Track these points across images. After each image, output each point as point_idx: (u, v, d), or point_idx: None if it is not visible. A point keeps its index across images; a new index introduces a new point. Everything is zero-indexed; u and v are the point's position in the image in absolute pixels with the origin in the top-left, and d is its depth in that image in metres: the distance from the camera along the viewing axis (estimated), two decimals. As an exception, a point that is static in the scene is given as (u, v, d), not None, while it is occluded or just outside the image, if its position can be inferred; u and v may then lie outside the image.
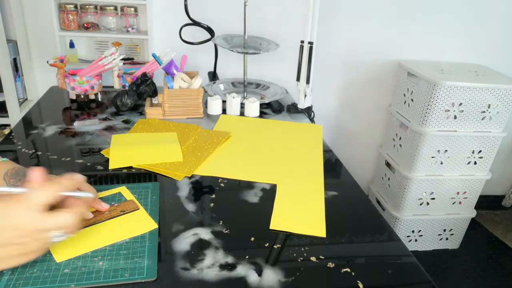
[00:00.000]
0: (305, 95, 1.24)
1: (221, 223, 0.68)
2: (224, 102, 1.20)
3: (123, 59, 1.23)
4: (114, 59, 1.17)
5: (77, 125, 1.03)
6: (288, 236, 0.66)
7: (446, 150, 1.69)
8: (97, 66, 1.17)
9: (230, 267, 0.58)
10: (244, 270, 0.58)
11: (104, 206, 0.65)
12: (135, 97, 1.12)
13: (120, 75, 1.27)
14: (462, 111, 1.61)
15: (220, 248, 0.62)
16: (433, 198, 1.80)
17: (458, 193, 1.82)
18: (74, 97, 1.19)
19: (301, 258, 0.61)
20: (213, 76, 1.55)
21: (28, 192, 0.50)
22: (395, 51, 1.82)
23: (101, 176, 0.79)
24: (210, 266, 0.58)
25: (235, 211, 0.72)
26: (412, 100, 1.71)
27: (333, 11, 1.69)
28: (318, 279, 0.58)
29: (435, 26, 1.79)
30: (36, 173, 0.52)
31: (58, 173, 0.67)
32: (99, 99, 1.22)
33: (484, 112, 1.63)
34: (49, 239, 0.50)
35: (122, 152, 0.86)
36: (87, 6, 1.49)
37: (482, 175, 1.79)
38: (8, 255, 0.49)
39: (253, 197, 0.77)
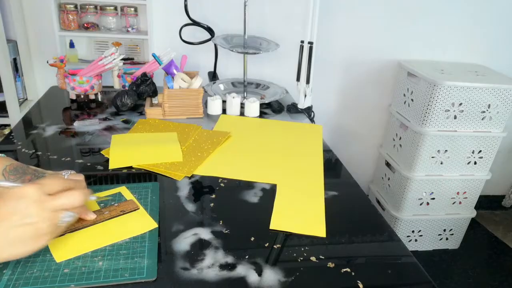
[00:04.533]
0: (305, 95, 1.24)
1: (221, 223, 0.68)
2: (224, 102, 1.20)
3: (123, 59, 1.23)
4: (114, 59, 1.17)
5: (77, 125, 1.02)
6: (288, 236, 0.66)
7: (446, 150, 1.69)
8: (97, 66, 1.17)
9: (230, 267, 0.58)
10: (244, 270, 0.58)
11: (92, 216, 0.64)
12: (135, 97, 1.12)
13: (120, 75, 1.27)
14: (462, 111, 1.61)
15: (220, 248, 0.62)
16: (433, 198, 1.80)
17: (458, 193, 1.82)
18: (74, 97, 1.19)
19: (301, 258, 0.61)
20: (213, 76, 1.55)
21: (33, 182, 0.53)
22: (395, 51, 1.82)
23: (101, 176, 0.79)
24: (210, 266, 0.58)
25: (235, 211, 0.72)
26: (412, 100, 1.71)
27: (333, 11, 1.69)
28: (318, 279, 0.58)
29: (435, 26, 1.79)
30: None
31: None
32: (99, 99, 1.22)
33: (484, 112, 1.63)
34: (58, 219, 0.52)
35: (122, 152, 0.86)
36: (87, 6, 1.49)
37: (482, 175, 1.79)
38: (20, 238, 0.49)
39: (253, 197, 0.77)
